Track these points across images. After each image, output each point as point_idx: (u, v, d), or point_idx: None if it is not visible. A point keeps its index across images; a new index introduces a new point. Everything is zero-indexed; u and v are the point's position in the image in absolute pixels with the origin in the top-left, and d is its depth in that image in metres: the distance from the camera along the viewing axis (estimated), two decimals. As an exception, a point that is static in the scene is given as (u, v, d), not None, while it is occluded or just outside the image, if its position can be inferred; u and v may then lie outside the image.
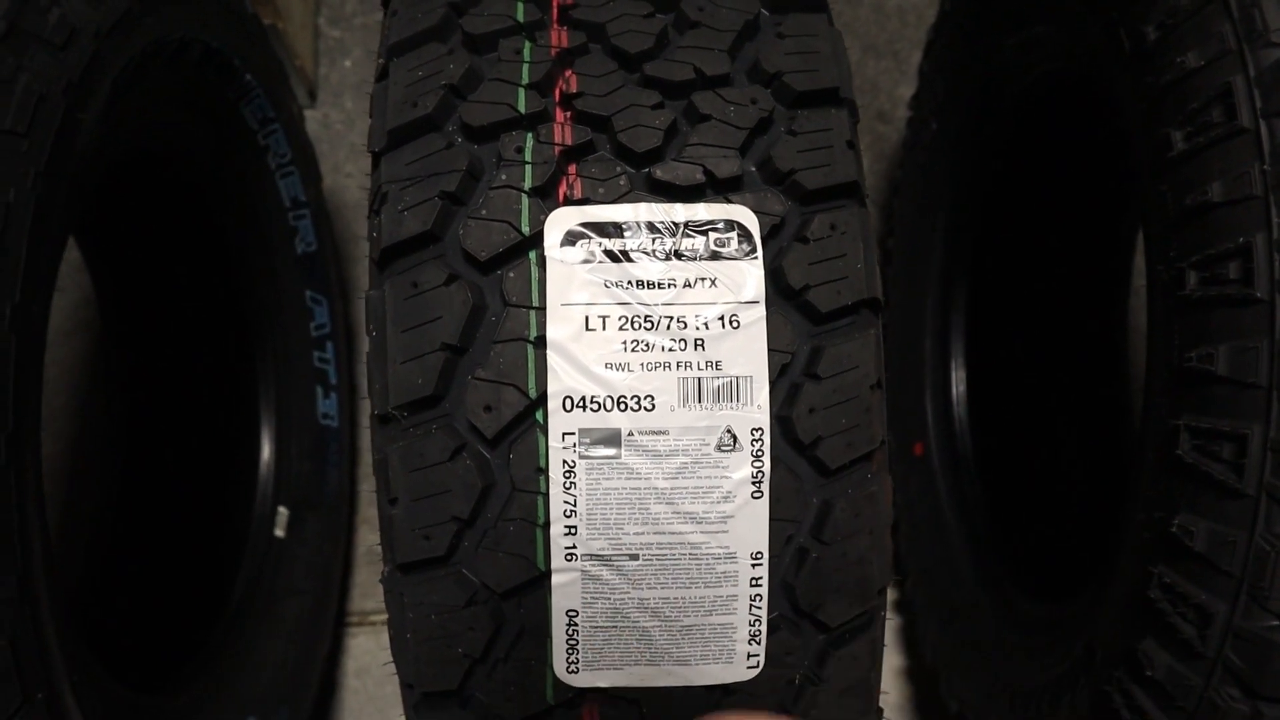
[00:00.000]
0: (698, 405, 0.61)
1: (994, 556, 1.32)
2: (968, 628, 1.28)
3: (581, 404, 0.61)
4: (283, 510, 1.38)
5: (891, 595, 1.56)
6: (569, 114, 0.65)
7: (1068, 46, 1.08)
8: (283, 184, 1.31)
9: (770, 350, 0.62)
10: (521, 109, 0.65)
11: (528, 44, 0.67)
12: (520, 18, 0.68)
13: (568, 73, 0.67)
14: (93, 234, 1.29)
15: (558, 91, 0.66)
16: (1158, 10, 0.83)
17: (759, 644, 0.64)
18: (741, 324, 0.62)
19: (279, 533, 1.36)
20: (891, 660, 1.52)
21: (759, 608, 0.63)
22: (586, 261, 0.62)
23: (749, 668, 0.64)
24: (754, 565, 0.63)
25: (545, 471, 0.61)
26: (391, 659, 0.66)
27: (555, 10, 0.70)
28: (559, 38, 0.68)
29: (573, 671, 0.64)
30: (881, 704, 0.70)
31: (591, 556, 0.62)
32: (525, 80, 0.66)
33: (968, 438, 1.43)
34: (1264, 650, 0.73)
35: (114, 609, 1.29)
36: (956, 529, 1.38)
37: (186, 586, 1.33)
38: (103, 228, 1.28)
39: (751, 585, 0.63)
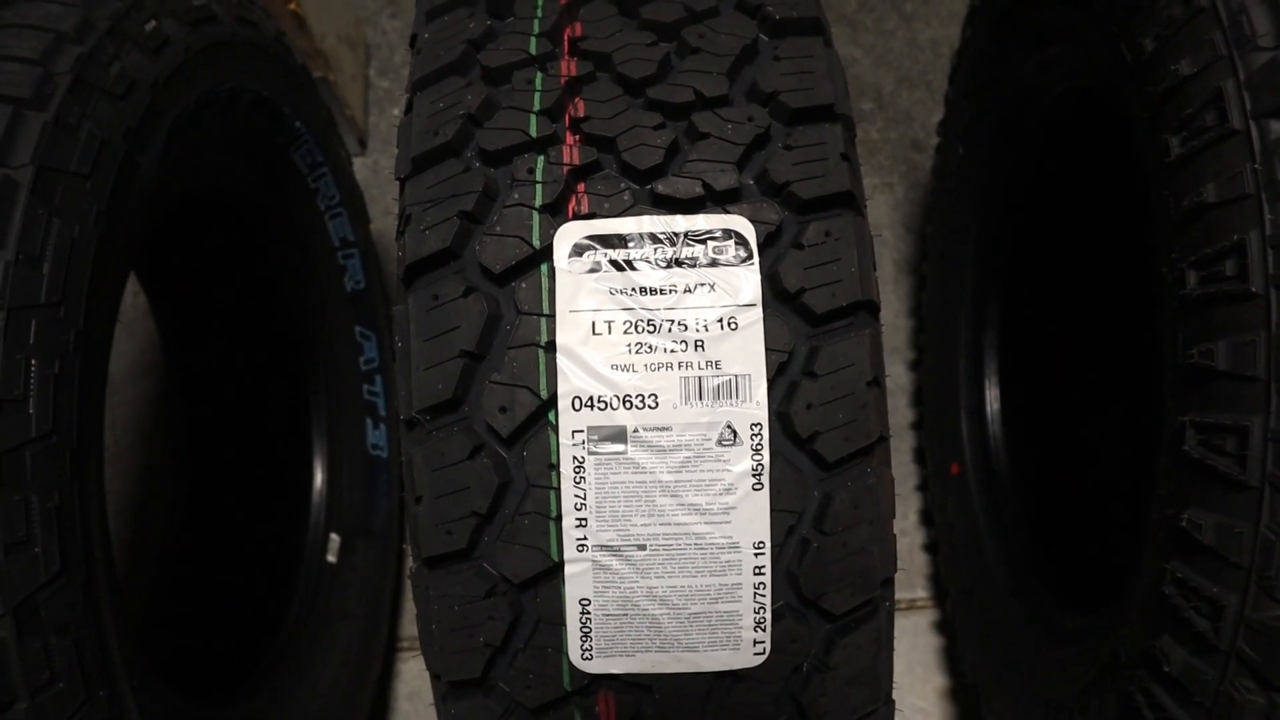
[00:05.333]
0: (699, 403, 0.65)
1: (1030, 573, 1.32)
2: (1005, 645, 1.28)
3: (590, 403, 0.65)
4: (334, 537, 1.43)
5: (932, 616, 1.57)
6: (577, 136, 0.70)
7: (1081, 64, 1.11)
8: (332, 225, 1.38)
9: (768, 350, 0.66)
10: (533, 133, 0.70)
11: (539, 74, 0.73)
12: (533, 50, 0.74)
13: (576, 99, 0.72)
14: (156, 273, 1.37)
15: (567, 116, 0.71)
16: (1153, 22, 0.86)
17: (765, 631, 0.67)
18: (739, 326, 0.66)
19: (331, 559, 1.42)
20: (934, 681, 1.52)
21: (763, 596, 0.66)
22: (593, 271, 0.67)
23: (756, 654, 0.67)
24: (756, 554, 0.66)
25: (557, 467, 0.65)
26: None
27: (566, 42, 0.75)
28: (568, 67, 0.73)
29: (587, 659, 0.67)
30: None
31: (602, 547, 0.66)
32: (537, 107, 0.71)
33: (1003, 456, 1.44)
34: (1274, 640, 0.74)
35: (177, 627, 1.35)
36: (993, 547, 1.38)
37: (244, 608, 1.38)
38: (164, 267, 1.36)
39: (755, 574, 0.66)
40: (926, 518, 1.61)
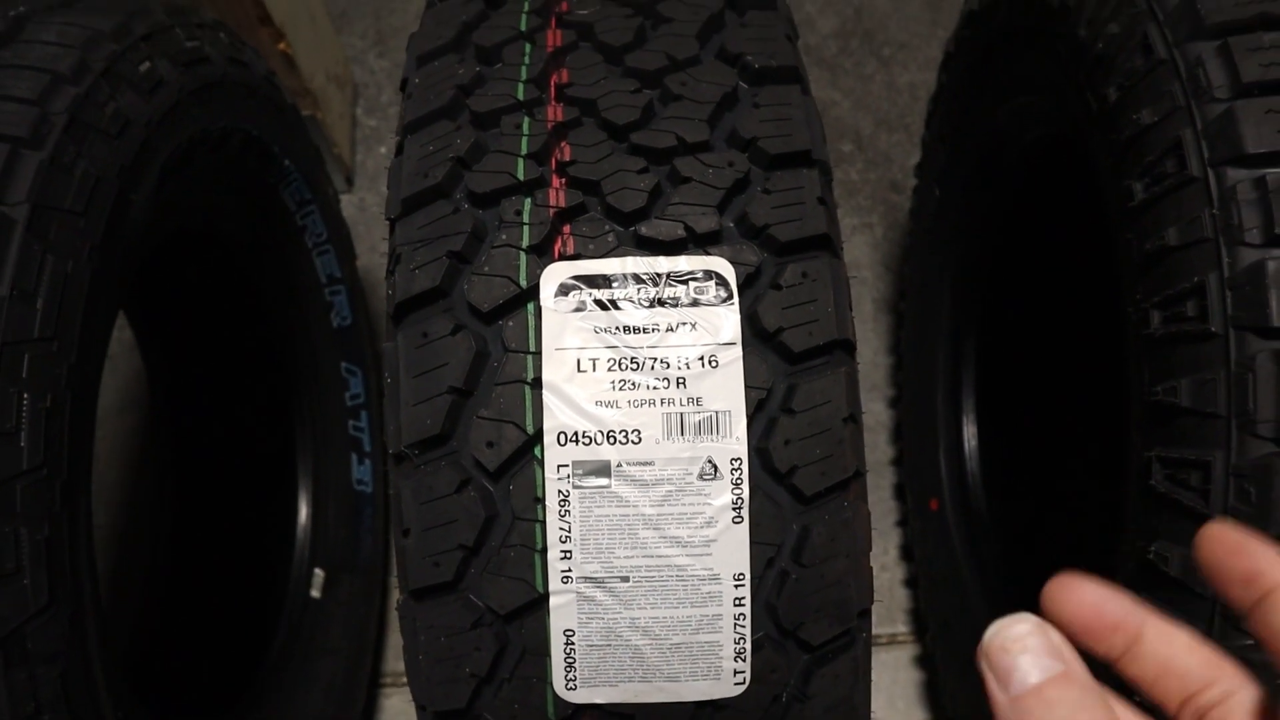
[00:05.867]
0: (680, 438, 0.67)
1: (1007, 606, 1.34)
2: (984, 677, 1.30)
3: (575, 438, 0.67)
4: (318, 572, 1.44)
5: (913, 650, 1.58)
6: (563, 180, 0.72)
7: (1050, 112, 1.15)
8: (319, 261, 1.40)
9: (748, 387, 0.68)
10: (521, 176, 0.72)
11: (527, 119, 0.75)
12: (521, 96, 0.76)
13: (563, 143, 0.74)
14: (142, 308, 1.38)
15: (554, 160, 0.73)
16: (1116, 73, 0.89)
17: (745, 661, 0.68)
18: (720, 364, 0.68)
19: (315, 594, 1.42)
20: (916, 715, 1.54)
21: (743, 626, 0.68)
22: (578, 310, 0.69)
23: (736, 684, 0.69)
24: (737, 586, 0.68)
25: (542, 501, 0.67)
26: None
27: (552, 89, 0.77)
28: (555, 113, 0.76)
29: (571, 689, 0.68)
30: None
31: (586, 579, 0.67)
32: (524, 151, 0.73)
33: (980, 491, 1.46)
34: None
35: (161, 660, 1.35)
36: (971, 581, 1.40)
37: (228, 642, 1.39)
38: (151, 302, 1.37)
39: (735, 605, 0.68)
40: (907, 553, 1.63)
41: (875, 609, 1.70)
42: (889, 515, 1.68)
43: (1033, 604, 1.34)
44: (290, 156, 1.28)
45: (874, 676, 1.61)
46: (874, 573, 1.69)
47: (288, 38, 1.53)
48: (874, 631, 1.62)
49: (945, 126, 1.43)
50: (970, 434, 1.49)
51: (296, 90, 1.60)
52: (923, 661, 1.57)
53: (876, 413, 1.73)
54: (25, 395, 0.77)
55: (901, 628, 1.62)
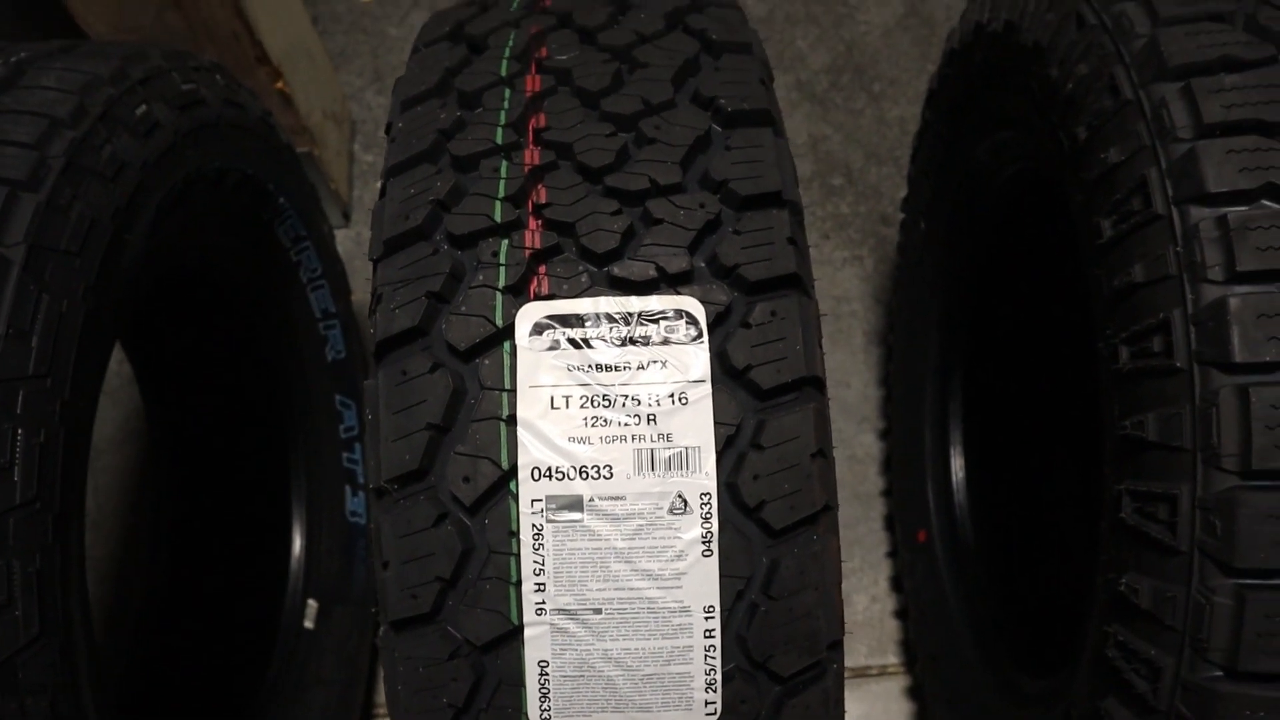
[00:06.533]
0: (651, 473, 0.69)
1: (994, 637, 1.35)
2: (971, 708, 1.31)
3: (548, 474, 0.69)
4: (312, 603, 1.45)
5: (904, 681, 1.59)
6: (539, 222, 0.75)
7: (1027, 149, 1.17)
8: (313, 296, 1.42)
9: (717, 423, 0.70)
10: (498, 219, 0.74)
11: (505, 163, 0.77)
12: (499, 140, 0.79)
13: (539, 186, 0.76)
14: (140, 343, 1.41)
15: (530, 203, 0.76)
16: (1086, 113, 0.91)
17: (715, 692, 0.70)
18: (689, 400, 0.70)
19: (308, 625, 1.44)
20: (906, 747, 1.54)
21: (713, 658, 0.69)
22: (552, 349, 0.71)
23: (708, 714, 0.70)
24: (707, 618, 0.69)
25: (517, 535, 0.69)
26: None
27: (530, 133, 0.80)
28: (532, 156, 0.78)
29: (546, 719, 0.70)
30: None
31: (559, 611, 0.69)
32: (502, 194, 0.76)
33: (968, 523, 1.47)
34: (1208, 700, 0.77)
35: (156, 690, 1.36)
36: (959, 612, 1.41)
37: (221, 672, 1.40)
38: (149, 337, 1.40)
39: (705, 637, 0.69)
40: (897, 584, 1.64)
41: (866, 640, 1.71)
42: (880, 547, 1.69)
43: (1017, 634, 1.35)
44: (285, 194, 1.30)
45: (865, 708, 1.61)
46: (865, 604, 1.70)
47: (285, 77, 1.56)
48: (865, 663, 1.63)
49: (929, 162, 1.45)
50: (958, 466, 1.51)
51: (294, 128, 1.63)
52: (913, 693, 1.58)
53: (867, 445, 1.75)
54: (19, 431, 0.79)
55: (892, 659, 1.62)
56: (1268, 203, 0.78)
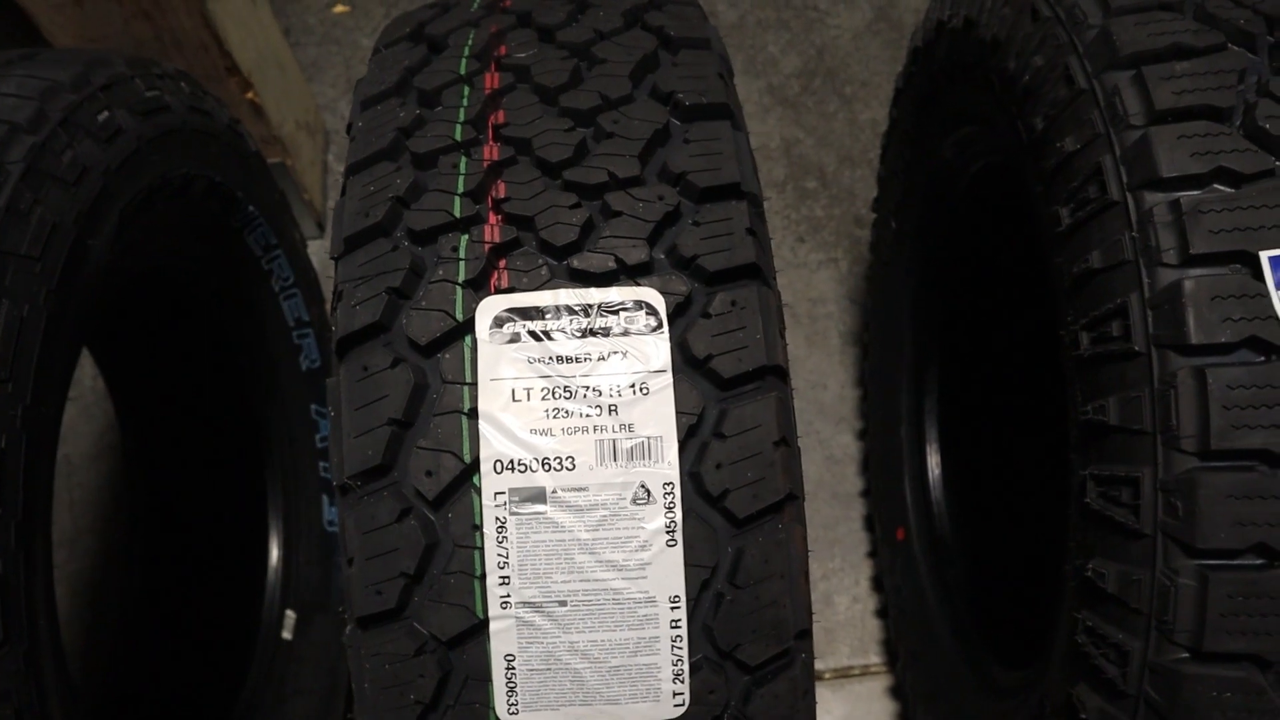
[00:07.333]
0: (613, 464, 0.69)
1: (972, 631, 1.35)
2: (951, 703, 1.31)
3: (510, 466, 0.69)
4: (290, 614, 1.44)
5: (886, 681, 1.59)
6: (499, 216, 0.75)
7: (990, 143, 1.18)
8: (286, 305, 1.42)
9: (678, 413, 0.70)
10: (457, 214, 0.75)
11: (464, 159, 0.78)
12: (458, 137, 0.79)
13: (499, 181, 0.77)
14: (111, 352, 1.40)
15: (489, 198, 0.76)
16: (1043, 104, 0.92)
17: (683, 682, 0.70)
18: (650, 391, 0.70)
19: (286, 635, 1.43)
20: (888, 745, 1.54)
21: (680, 648, 0.69)
22: (513, 342, 0.71)
23: (676, 705, 0.70)
24: (673, 608, 0.69)
25: (481, 528, 0.69)
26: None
27: (489, 129, 0.80)
28: (491, 152, 0.78)
29: (514, 713, 0.69)
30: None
31: (524, 604, 0.69)
32: (461, 190, 0.76)
33: (945, 520, 1.48)
34: (1174, 683, 0.78)
35: (134, 703, 1.35)
36: (938, 608, 1.41)
37: (200, 684, 1.39)
38: (120, 346, 1.39)
39: (672, 627, 0.69)
40: (878, 584, 1.64)
41: (848, 640, 1.71)
42: (860, 547, 1.69)
43: (995, 629, 1.35)
44: (255, 202, 1.30)
45: (848, 708, 1.61)
46: (847, 604, 1.70)
47: (255, 87, 1.56)
48: (848, 663, 1.63)
49: (897, 161, 1.46)
50: (934, 463, 1.51)
51: (266, 138, 1.63)
52: (896, 692, 1.58)
53: (845, 445, 1.75)
54: (-20, 437, 0.79)
55: (874, 658, 1.62)
56: (1219, 186, 0.79)
